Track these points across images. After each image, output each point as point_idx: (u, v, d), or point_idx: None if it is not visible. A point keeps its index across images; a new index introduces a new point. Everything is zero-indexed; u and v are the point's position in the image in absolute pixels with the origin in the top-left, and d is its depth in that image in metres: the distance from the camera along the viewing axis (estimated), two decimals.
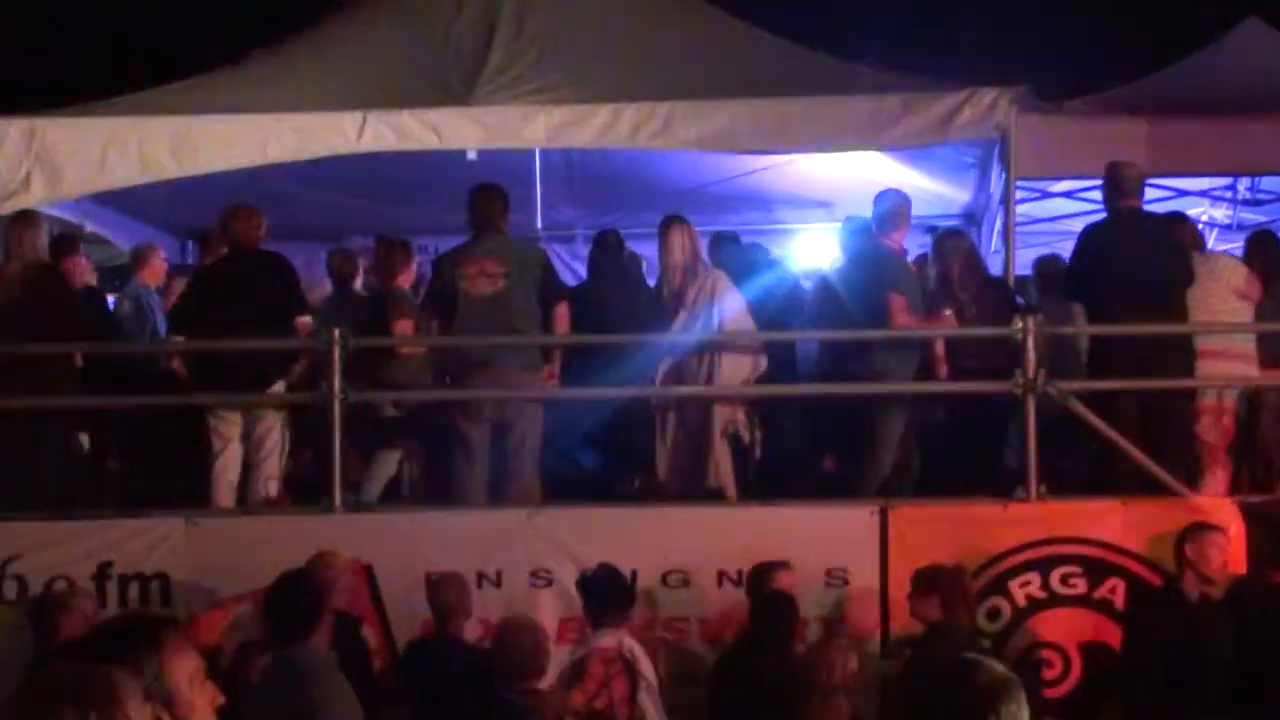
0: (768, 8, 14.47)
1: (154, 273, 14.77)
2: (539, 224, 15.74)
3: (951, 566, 10.67)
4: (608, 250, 13.73)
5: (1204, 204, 15.48)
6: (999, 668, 4.53)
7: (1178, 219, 13.16)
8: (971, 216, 16.19)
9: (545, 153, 14.77)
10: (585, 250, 16.66)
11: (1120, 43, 17.85)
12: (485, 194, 12.39)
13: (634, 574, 11.02)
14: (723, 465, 12.21)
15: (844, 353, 12.68)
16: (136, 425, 13.33)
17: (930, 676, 4.85)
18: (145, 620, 5.36)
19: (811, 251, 16.46)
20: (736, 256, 14.15)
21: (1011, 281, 13.20)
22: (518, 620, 9.69)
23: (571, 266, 16.52)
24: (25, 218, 12.59)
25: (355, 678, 8.73)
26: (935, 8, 18.94)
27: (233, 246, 12.72)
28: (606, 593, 10.39)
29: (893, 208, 12.80)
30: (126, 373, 13.27)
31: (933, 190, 15.66)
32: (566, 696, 9.49)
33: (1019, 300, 13.11)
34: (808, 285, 14.02)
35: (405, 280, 13.21)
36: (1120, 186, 12.24)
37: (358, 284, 14.66)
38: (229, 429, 12.35)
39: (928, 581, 10.44)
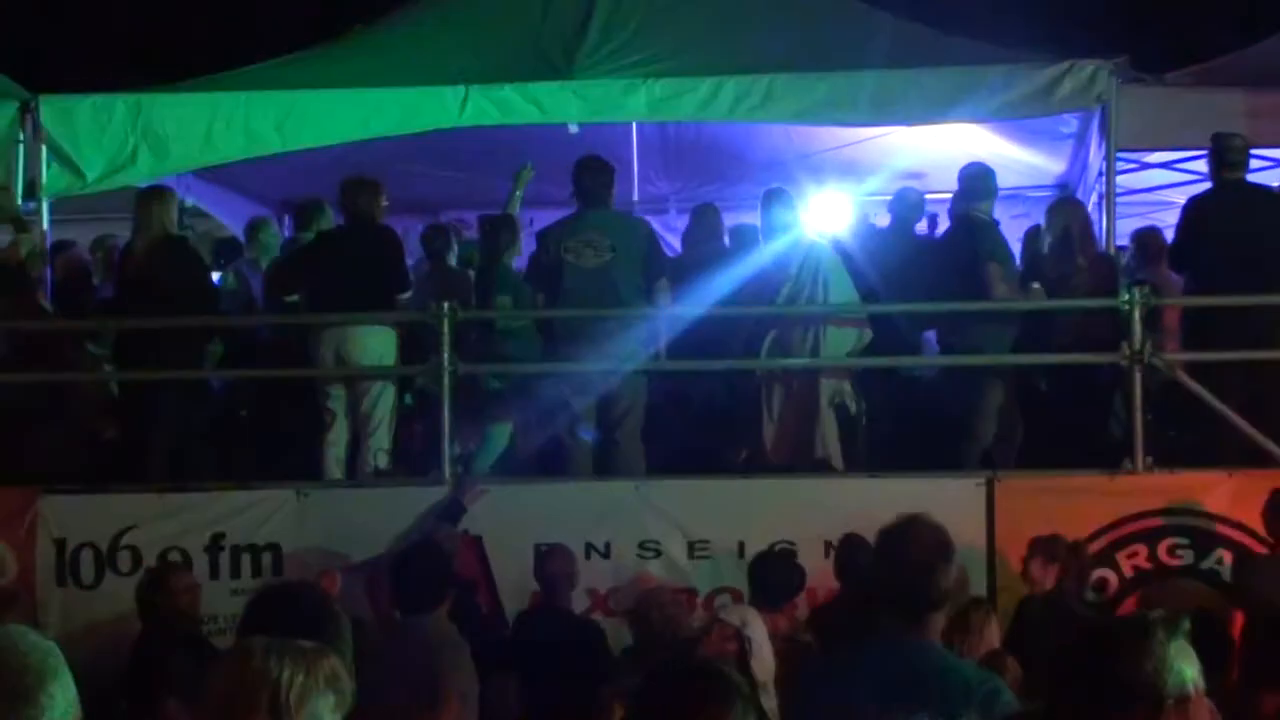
0: None
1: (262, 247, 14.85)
2: (635, 196, 15.76)
3: (1072, 541, 10.71)
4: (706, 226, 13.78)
5: None
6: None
7: None
8: (1065, 187, 16.12)
9: (641, 125, 14.84)
10: (679, 222, 16.73)
11: (1221, 13, 17.72)
12: (591, 167, 12.45)
13: (741, 545, 11.13)
14: (829, 436, 12.22)
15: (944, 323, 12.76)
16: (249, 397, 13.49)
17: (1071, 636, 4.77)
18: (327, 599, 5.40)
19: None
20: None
21: (1113, 251, 13.18)
22: (660, 593, 9.78)
23: (664, 238, 16.50)
24: (154, 193, 12.74)
25: (469, 646, 8.87)
26: None
27: (351, 218, 12.80)
28: (774, 579, 10.46)
29: (979, 179, 12.83)
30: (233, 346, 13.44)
31: (1026, 161, 15.63)
32: None
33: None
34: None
35: (509, 257, 13.21)
36: (1225, 157, 12.18)
37: (451, 259, 14.70)
38: (335, 402, 12.47)
39: (1049, 550, 10.46)
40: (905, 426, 12.74)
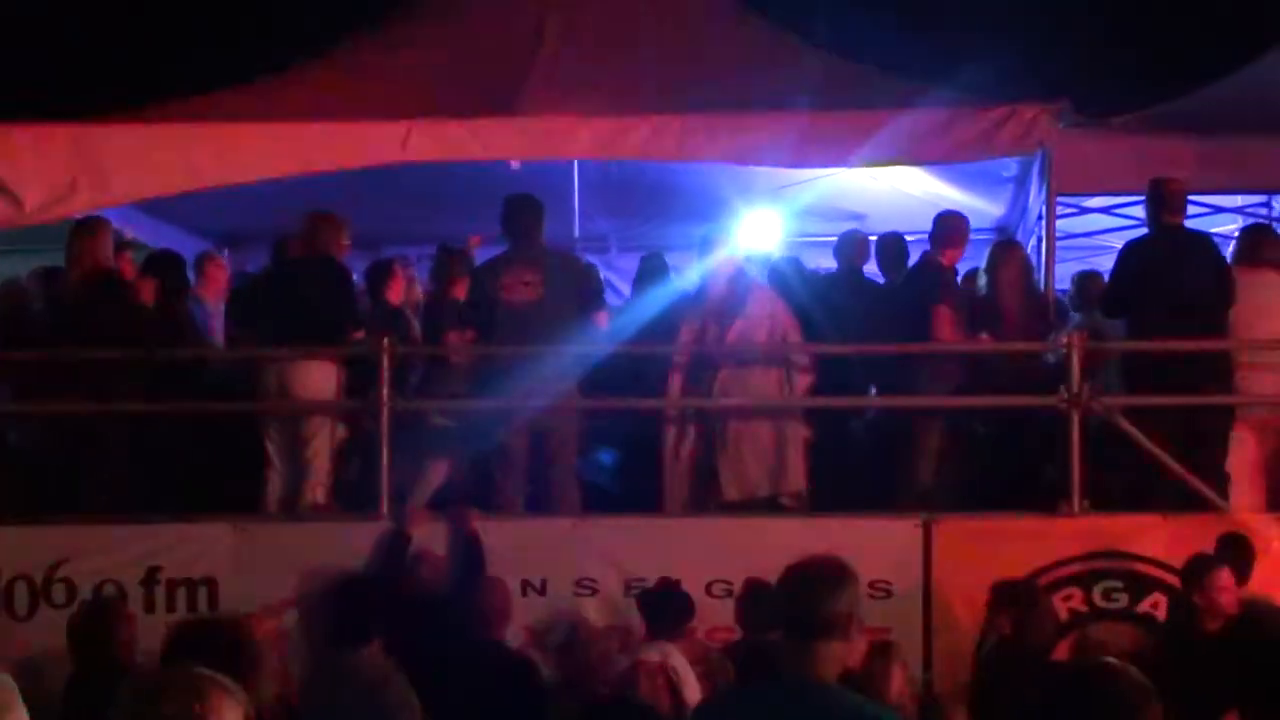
0: (811, 21, 14.48)
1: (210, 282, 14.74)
2: (576, 234, 15.77)
3: (1027, 583, 10.70)
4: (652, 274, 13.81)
5: (1238, 220, 15.51)
6: (1133, 673, 4.51)
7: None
8: (1004, 230, 16.21)
9: (583, 163, 14.83)
10: (620, 261, 16.76)
11: (1162, 59, 17.84)
12: (519, 204, 12.42)
13: (678, 582, 11.06)
14: (794, 479, 12.27)
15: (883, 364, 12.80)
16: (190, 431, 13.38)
17: (1048, 685, 4.80)
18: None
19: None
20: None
21: (1053, 296, 13.24)
22: (591, 631, 9.78)
23: (605, 276, 16.48)
24: (87, 224, 12.65)
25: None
26: (976, 22, 18.94)
27: (310, 253, 12.76)
28: (662, 608, 10.44)
29: (951, 227, 12.96)
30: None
31: (964, 204, 15.66)
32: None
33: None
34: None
35: (460, 290, 13.18)
36: (1164, 202, 12.22)
37: (391, 297, 14.61)
38: (274, 436, 12.42)
39: (1005, 596, 10.39)
40: (844, 467, 12.75)
